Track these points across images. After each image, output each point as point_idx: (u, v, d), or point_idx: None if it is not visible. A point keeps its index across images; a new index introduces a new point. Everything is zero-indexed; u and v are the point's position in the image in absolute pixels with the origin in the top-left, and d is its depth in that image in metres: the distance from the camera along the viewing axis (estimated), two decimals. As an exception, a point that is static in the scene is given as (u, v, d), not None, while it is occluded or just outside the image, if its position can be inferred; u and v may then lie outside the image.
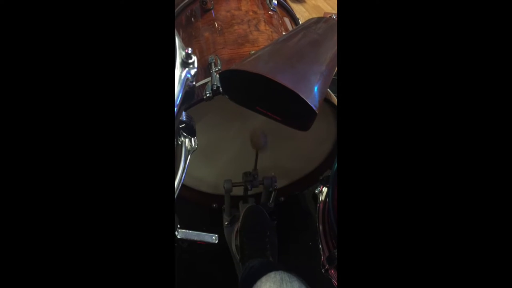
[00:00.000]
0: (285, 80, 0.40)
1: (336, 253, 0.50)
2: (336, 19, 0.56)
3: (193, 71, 0.33)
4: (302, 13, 1.77)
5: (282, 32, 0.81)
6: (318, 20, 0.55)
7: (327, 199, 0.56)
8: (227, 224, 0.83)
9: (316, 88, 0.43)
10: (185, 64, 0.33)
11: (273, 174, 0.76)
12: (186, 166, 0.42)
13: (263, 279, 0.52)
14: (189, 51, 0.32)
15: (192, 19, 0.82)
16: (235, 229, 0.80)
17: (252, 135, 0.71)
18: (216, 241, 0.43)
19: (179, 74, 0.32)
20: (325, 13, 0.57)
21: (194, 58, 0.32)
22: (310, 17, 1.80)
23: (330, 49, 0.49)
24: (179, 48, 0.33)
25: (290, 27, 0.86)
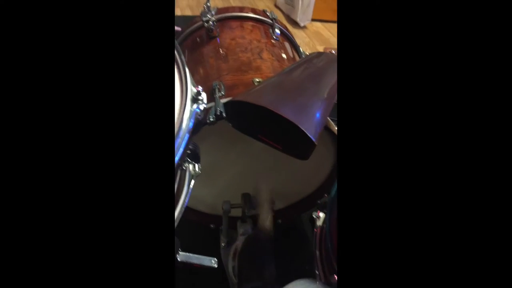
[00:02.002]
0: (287, 112, 0.43)
1: (331, 279, 0.51)
2: (336, 54, 0.60)
3: (202, 106, 0.35)
4: (303, 39, 1.83)
5: (284, 58, 0.84)
6: (318, 54, 0.59)
7: (324, 225, 0.58)
8: (224, 245, 0.83)
9: (315, 120, 0.45)
10: (195, 100, 0.35)
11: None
12: (190, 190, 0.44)
13: (290, 286, 0.49)
14: (200, 89, 0.34)
15: (198, 43, 0.85)
16: (232, 251, 0.80)
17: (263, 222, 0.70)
18: (216, 265, 0.44)
19: (190, 108, 0.34)
20: (325, 48, 0.60)
21: (204, 95, 0.35)
22: (311, 42, 1.86)
23: (329, 82, 0.52)
24: (190, 85, 0.36)
25: (290, 52, 0.90)
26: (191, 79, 0.37)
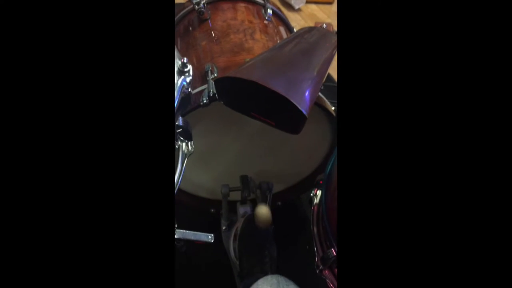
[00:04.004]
0: (277, 86, 0.42)
1: (329, 254, 0.51)
2: (326, 28, 0.59)
3: (188, 79, 0.35)
4: (298, 21, 1.81)
5: (277, 41, 0.83)
6: (310, 29, 0.58)
7: (321, 201, 0.58)
8: (224, 228, 0.84)
9: (306, 94, 0.45)
10: (181, 72, 0.35)
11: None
12: (183, 169, 0.44)
13: (260, 281, 0.53)
14: (185, 61, 0.34)
15: (190, 28, 0.84)
16: (233, 233, 0.81)
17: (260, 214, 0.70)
18: (212, 240, 0.45)
19: (176, 81, 0.34)
20: (316, 22, 0.59)
21: (190, 66, 0.34)
22: (306, 24, 1.84)
23: (320, 57, 0.52)
24: (176, 58, 0.35)
25: (285, 36, 0.89)
26: (176, 50, 0.36)
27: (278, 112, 0.46)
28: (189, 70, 0.35)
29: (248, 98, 0.48)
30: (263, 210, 0.68)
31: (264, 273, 0.69)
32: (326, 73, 0.52)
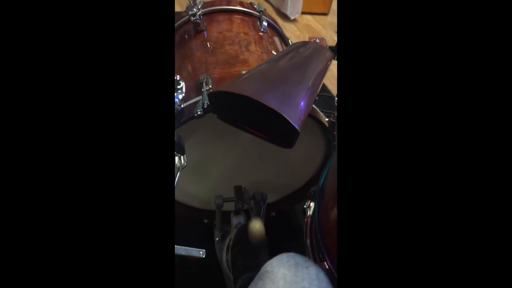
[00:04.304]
0: (270, 101, 0.43)
1: (322, 267, 0.51)
2: (320, 43, 0.59)
3: (181, 96, 0.35)
4: (294, 32, 1.83)
5: (272, 52, 0.84)
6: (304, 43, 0.58)
7: (314, 214, 0.58)
8: (218, 239, 0.83)
9: (299, 108, 0.45)
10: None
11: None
12: (175, 182, 0.44)
13: (274, 262, 0.43)
14: (178, 78, 0.34)
15: (186, 38, 0.85)
16: (226, 245, 0.80)
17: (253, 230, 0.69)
18: (203, 256, 0.45)
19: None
20: (309, 37, 0.60)
21: (182, 84, 0.35)
22: (302, 35, 1.86)
23: (314, 71, 0.52)
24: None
25: (279, 47, 0.90)
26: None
27: (271, 126, 0.47)
28: (181, 87, 0.35)
29: (241, 111, 0.48)
30: (257, 225, 0.68)
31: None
32: (319, 86, 0.53)
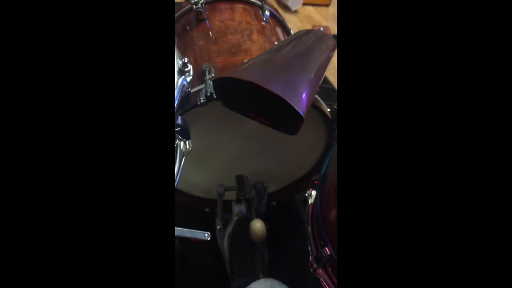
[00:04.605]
0: (275, 87, 0.43)
1: (323, 253, 0.52)
2: (324, 31, 0.60)
3: (188, 78, 0.35)
4: (295, 23, 1.82)
5: (274, 42, 0.84)
6: (307, 32, 0.59)
7: (316, 201, 0.59)
8: (219, 228, 0.84)
9: (303, 95, 0.45)
10: (181, 72, 0.35)
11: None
12: (181, 167, 0.45)
13: (253, 285, 0.53)
14: (186, 61, 0.34)
15: (188, 28, 0.85)
16: (227, 233, 0.81)
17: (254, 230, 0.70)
18: (209, 238, 0.45)
19: (177, 81, 0.34)
20: (313, 25, 0.60)
21: (190, 66, 0.35)
22: (303, 26, 1.86)
23: (317, 59, 0.52)
24: (176, 58, 0.36)
25: (281, 37, 0.90)
26: (176, 50, 0.37)
27: (276, 113, 0.47)
28: (189, 70, 0.35)
29: (245, 98, 0.48)
30: (258, 225, 0.69)
31: (254, 274, 0.69)
32: (323, 75, 0.53)
